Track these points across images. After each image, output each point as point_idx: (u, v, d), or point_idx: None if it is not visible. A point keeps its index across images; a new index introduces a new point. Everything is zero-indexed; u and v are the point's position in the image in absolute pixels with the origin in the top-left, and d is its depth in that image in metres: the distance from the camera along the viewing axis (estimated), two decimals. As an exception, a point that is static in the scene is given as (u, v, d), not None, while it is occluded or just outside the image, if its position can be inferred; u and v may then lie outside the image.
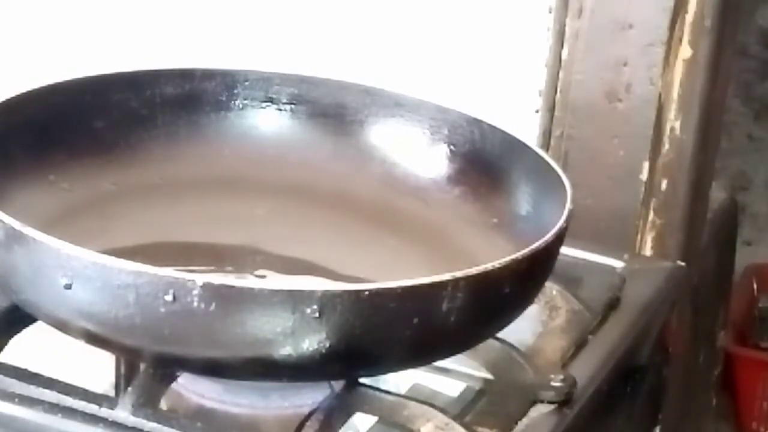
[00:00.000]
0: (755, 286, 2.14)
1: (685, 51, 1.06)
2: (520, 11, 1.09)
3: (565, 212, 0.77)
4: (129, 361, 0.79)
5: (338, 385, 0.74)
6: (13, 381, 0.73)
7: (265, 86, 0.93)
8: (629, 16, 1.06)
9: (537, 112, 1.10)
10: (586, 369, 0.82)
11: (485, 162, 0.89)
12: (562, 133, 1.09)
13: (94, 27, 1.23)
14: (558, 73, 1.09)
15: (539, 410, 0.77)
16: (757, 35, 2.21)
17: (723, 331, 1.47)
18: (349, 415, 0.73)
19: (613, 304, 0.90)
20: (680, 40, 1.06)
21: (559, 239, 0.76)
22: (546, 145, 1.10)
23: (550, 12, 1.08)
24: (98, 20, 1.23)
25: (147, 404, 0.71)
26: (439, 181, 0.91)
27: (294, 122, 0.93)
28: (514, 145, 0.87)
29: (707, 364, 1.33)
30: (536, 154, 0.85)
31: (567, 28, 1.08)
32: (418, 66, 1.11)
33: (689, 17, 1.06)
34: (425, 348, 0.72)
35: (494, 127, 0.89)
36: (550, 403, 0.77)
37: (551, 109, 1.10)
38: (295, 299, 0.67)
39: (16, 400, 0.72)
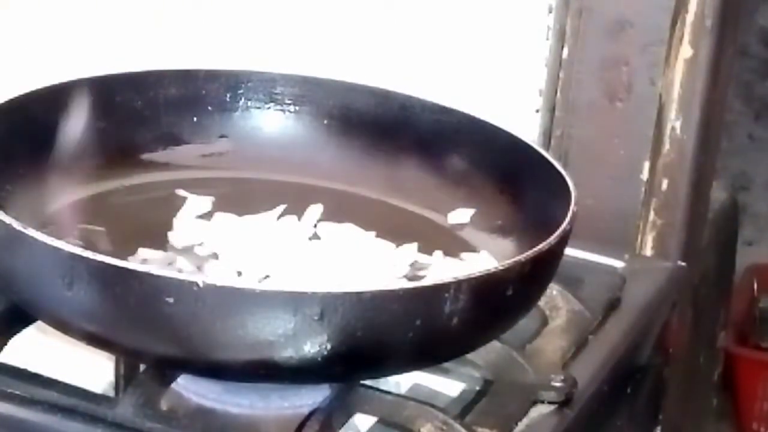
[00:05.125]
0: (756, 286, 2.14)
1: (685, 51, 1.06)
2: (520, 11, 1.09)
3: (570, 214, 0.77)
4: (129, 361, 0.79)
5: (338, 385, 0.74)
6: (13, 381, 0.73)
7: (268, 87, 0.93)
8: (630, 15, 1.06)
9: (537, 111, 1.10)
10: (586, 369, 0.82)
11: (490, 163, 0.89)
12: (562, 133, 1.09)
13: (97, 27, 1.23)
14: (558, 72, 1.09)
15: (539, 410, 0.77)
16: (757, 35, 2.21)
17: (723, 332, 1.47)
18: (349, 415, 0.74)
19: (613, 305, 0.90)
20: (681, 39, 1.06)
21: (563, 241, 0.76)
22: (546, 145, 1.09)
23: (550, 11, 1.08)
24: (101, 21, 1.23)
25: (147, 404, 0.71)
26: (443, 183, 0.91)
27: (298, 123, 0.94)
28: (518, 147, 0.87)
29: (708, 364, 1.33)
30: (541, 155, 0.85)
31: (567, 28, 1.08)
32: (418, 66, 1.11)
33: (690, 17, 1.06)
34: (427, 351, 0.72)
35: (499, 129, 0.89)
36: (550, 403, 0.77)
37: (551, 108, 1.10)
38: (296, 301, 0.67)
39: (16, 400, 0.72)
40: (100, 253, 0.68)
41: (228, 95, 0.92)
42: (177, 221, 0.84)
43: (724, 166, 1.76)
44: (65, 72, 0.88)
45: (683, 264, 1.03)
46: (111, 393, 0.74)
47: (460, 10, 1.10)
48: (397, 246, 0.83)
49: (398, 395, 0.76)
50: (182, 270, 0.78)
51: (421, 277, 0.80)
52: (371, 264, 0.80)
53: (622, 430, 0.89)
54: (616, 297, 0.91)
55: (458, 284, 0.69)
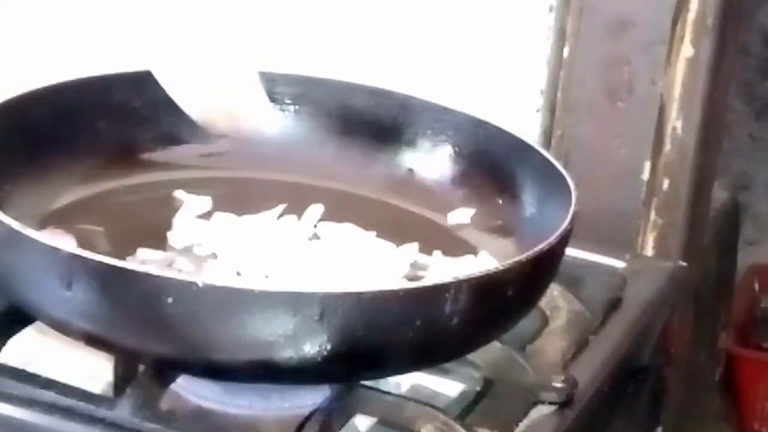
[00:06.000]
0: (757, 286, 2.14)
1: (686, 50, 1.06)
2: (521, 10, 1.09)
3: (570, 214, 0.77)
4: (128, 361, 0.79)
5: (338, 386, 0.73)
6: (12, 382, 0.73)
7: (268, 87, 0.93)
8: (631, 14, 1.06)
9: (538, 111, 1.10)
10: (587, 369, 0.82)
11: (490, 163, 0.89)
12: (563, 133, 1.09)
13: (97, 27, 1.23)
14: (559, 72, 1.09)
15: (540, 411, 0.77)
16: (759, 34, 2.21)
17: (724, 332, 1.47)
18: (349, 416, 0.73)
19: (614, 305, 0.90)
20: (682, 39, 1.06)
21: (563, 241, 0.76)
22: (547, 145, 1.09)
23: (551, 11, 1.08)
24: (100, 20, 1.23)
25: (146, 405, 0.71)
26: (443, 183, 0.91)
27: (297, 123, 0.93)
28: (519, 147, 0.87)
29: (709, 364, 1.33)
30: (541, 155, 0.85)
31: (568, 27, 1.08)
32: (419, 65, 1.11)
33: (691, 16, 1.06)
34: (428, 351, 0.72)
35: (499, 129, 0.89)
36: (551, 404, 0.77)
37: (552, 108, 1.10)
38: (296, 301, 0.66)
39: (16, 400, 0.72)
40: (99, 253, 0.68)
41: (227, 95, 0.93)
42: (176, 221, 0.84)
43: (725, 166, 1.75)
44: (65, 72, 0.88)
45: (684, 264, 1.03)
46: (110, 393, 0.74)
47: (460, 9, 1.10)
48: (397, 246, 0.83)
49: (398, 396, 0.76)
50: (182, 270, 0.78)
51: (421, 277, 0.80)
52: (371, 264, 0.80)
53: (623, 431, 0.88)
54: (617, 297, 0.91)
55: (458, 284, 0.69)
